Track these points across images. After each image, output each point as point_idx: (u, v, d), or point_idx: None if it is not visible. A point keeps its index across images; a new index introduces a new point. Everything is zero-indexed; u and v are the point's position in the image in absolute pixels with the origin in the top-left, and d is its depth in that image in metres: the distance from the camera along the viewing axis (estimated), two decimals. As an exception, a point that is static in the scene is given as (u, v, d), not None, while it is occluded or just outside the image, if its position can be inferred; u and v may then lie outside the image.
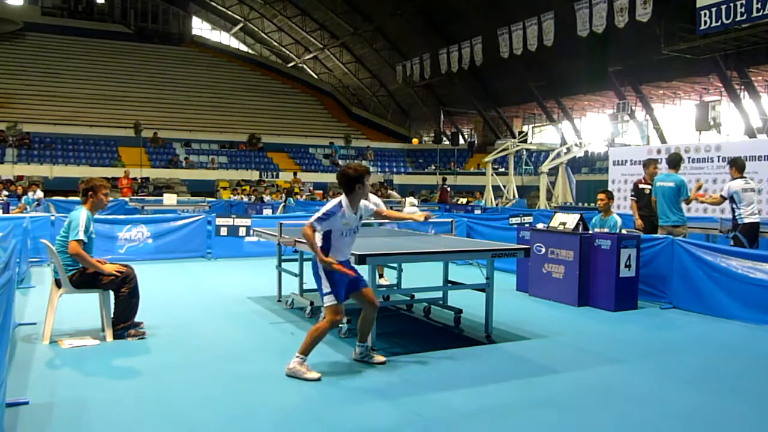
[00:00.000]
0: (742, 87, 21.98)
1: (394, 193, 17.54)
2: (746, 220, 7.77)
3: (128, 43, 38.63)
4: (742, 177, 7.98)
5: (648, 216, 8.67)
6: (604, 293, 6.98)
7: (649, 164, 8.98)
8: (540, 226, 8.97)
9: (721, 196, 8.10)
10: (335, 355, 4.99)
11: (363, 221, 4.84)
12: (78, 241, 5.12)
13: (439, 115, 36.83)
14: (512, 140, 25.96)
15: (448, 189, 25.86)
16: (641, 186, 8.91)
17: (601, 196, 8.07)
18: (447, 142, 37.01)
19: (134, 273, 5.43)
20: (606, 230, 7.53)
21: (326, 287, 4.49)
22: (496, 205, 22.18)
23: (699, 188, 8.58)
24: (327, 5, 36.92)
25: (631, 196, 9.11)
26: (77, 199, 5.59)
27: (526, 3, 24.67)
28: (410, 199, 16.72)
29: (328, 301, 4.49)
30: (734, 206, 7.87)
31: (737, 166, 8.09)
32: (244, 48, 47.22)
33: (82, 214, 5.26)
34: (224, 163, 31.61)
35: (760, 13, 16.81)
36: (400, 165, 36.08)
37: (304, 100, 40.46)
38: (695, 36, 19.02)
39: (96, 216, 5.78)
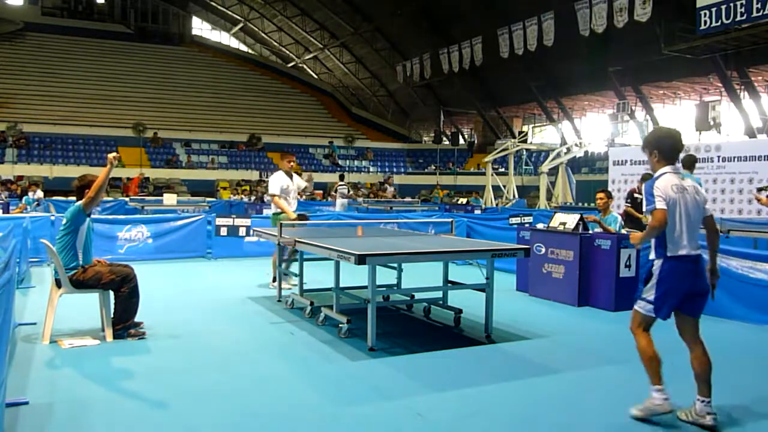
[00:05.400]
0: (742, 87, 21.97)
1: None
2: None
3: (128, 43, 38.63)
4: None
5: (639, 227, 8.71)
6: (604, 293, 6.98)
7: (648, 178, 9.00)
8: (540, 226, 8.97)
9: None
10: (335, 354, 4.99)
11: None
12: (82, 201, 5.21)
13: (439, 115, 36.84)
14: (512, 140, 25.99)
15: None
16: (636, 195, 8.99)
17: (600, 195, 8.08)
18: (447, 142, 37.03)
19: (134, 273, 5.43)
20: (612, 230, 7.54)
21: (649, 293, 3.69)
22: (496, 205, 22.18)
23: None
24: (327, 5, 36.92)
25: (626, 203, 9.19)
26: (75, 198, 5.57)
27: (526, 3, 24.67)
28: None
29: (641, 307, 3.74)
30: None
31: None
32: (244, 48, 47.22)
33: (77, 206, 5.29)
34: (224, 163, 31.62)
35: (760, 13, 16.81)
36: (400, 165, 36.09)
37: (304, 100, 40.46)
38: (695, 36, 19.02)
39: (96, 216, 5.78)
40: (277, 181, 7.99)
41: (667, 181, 3.66)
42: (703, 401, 3.61)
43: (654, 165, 3.82)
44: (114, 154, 5.36)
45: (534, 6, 24.18)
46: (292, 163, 8.22)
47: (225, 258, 10.80)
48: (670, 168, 3.72)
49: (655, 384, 3.62)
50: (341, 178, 20.77)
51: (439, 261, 6.37)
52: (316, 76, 45.44)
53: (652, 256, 3.75)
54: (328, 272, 6.16)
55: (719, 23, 17.82)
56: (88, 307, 5.81)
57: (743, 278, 6.38)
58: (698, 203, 3.71)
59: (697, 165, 14.67)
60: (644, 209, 3.74)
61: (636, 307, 3.78)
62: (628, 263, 6.92)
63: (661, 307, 3.67)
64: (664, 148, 3.76)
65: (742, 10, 17.12)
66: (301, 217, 7.88)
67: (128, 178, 26.09)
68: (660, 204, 3.57)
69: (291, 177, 8.11)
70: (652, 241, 3.70)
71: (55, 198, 19.59)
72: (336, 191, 19.54)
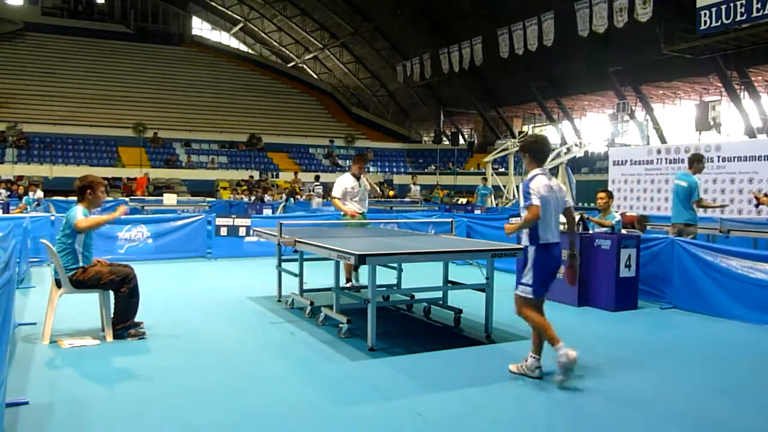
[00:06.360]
0: (742, 87, 21.98)
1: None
2: None
3: (128, 43, 38.63)
4: None
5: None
6: (604, 293, 6.98)
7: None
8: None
9: None
10: (335, 354, 4.99)
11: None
12: (80, 221, 5.18)
13: (439, 115, 36.84)
14: (512, 140, 25.95)
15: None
16: None
17: (601, 194, 8.08)
18: (447, 142, 37.03)
19: (134, 273, 5.43)
20: (608, 223, 7.55)
21: (527, 278, 4.33)
22: (496, 205, 22.18)
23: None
24: (327, 5, 36.93)
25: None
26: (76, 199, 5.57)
27: (526, 3, 24.68)
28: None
29: (521, 291, 4.35)
30: None
31: None
32: (244, 48, 47.22)
33: (78, 208, 5.29)
34: (224, 163, 31.63)
35: (760, 13, 16.80)
36: (400, 165, 36.09)
37: (304, 100, 40.47)
38: (695, 36, 19.02)
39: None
40: (341, 184, 8.07)
41: (539, 182, 4.28)
42: (535, 358, 4.38)
43: (527, 166, 4.50)
44: (125, 208, 5.53)
45: (534, 6, 24.18)
46: (361, 168, 8.21)
47: (225, 258, 10.80)
48: (540, 170, 4.37)
49: (555, 344, 4.19)
50: (317, 178, 23.15)
51: (439, 261, 6.37)
52: (316, 76, 45.45)
53: (525, 243, 4.40)
54: (328, 272, 6.16)
55: (719, 23, 17.82)
56: (88, 307, 5.81)
57: (743, 278, 6.38)
58: (562, 199, 4.40)
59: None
60: (521, 206, 4.30)
61: (517, 292, 4.39)
62: (628, 263, 6.92)
63: (537, 288, 4.31)
64: (534, 152, 4.44)
65: (742, 10, 17.12)
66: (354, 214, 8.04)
67: (129, 179, 26.16)
68: (535, 201, 4.21)
69: (359, 179, 8.10)
70: (527, 231, 4.34)
71: (55, 198, 19.59)
72: (312, 191, 21.54)
